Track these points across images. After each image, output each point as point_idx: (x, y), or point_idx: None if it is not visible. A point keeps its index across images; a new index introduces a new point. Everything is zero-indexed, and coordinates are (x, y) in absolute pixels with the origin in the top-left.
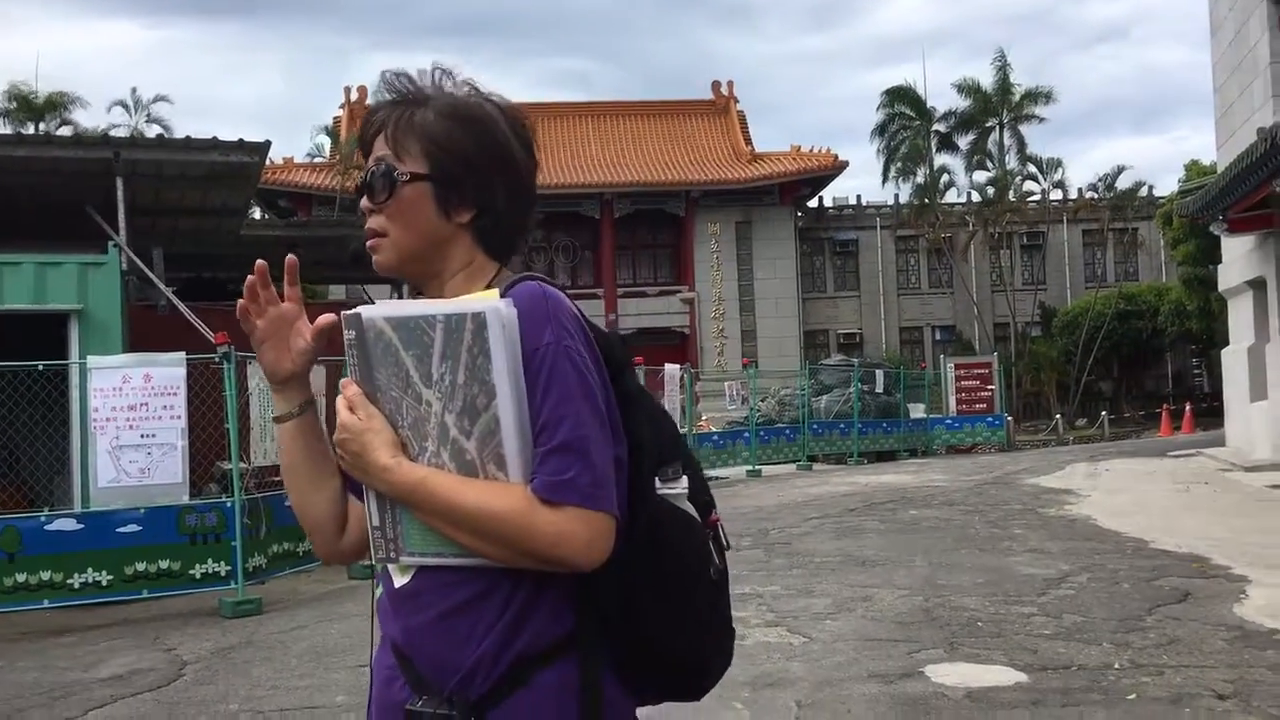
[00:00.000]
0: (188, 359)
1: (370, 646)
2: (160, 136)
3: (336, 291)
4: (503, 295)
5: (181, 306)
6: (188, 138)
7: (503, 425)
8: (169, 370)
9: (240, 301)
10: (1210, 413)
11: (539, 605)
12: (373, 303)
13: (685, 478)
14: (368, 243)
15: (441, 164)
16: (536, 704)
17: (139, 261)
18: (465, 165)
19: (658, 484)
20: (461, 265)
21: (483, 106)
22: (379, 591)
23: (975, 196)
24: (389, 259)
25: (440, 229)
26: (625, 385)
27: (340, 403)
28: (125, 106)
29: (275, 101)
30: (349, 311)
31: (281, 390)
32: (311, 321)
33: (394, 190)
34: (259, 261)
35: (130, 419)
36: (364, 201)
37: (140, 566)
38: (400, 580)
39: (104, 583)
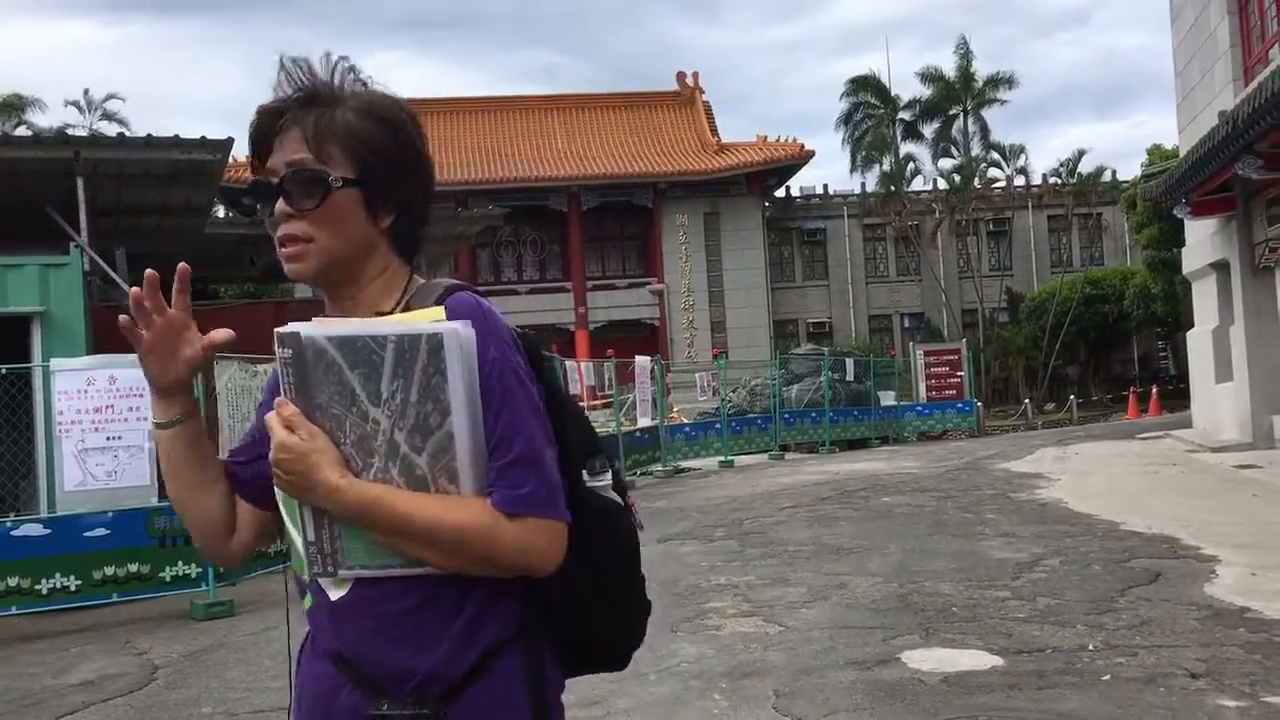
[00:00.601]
0: None
1: (289, 660)
2: (121, 135)
3: (304, 290)
4: (438, 305)
5: None
6: (149, 136)
7: (457, 441)
8: (135, 371)
9: (123, 316)
10: (1177, 395)
11: (496, 603)
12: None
13: (610, 471)
14: (285, 249)
15: (368, 167)
16: (490, 691)
17: (101, 262)
18: (389, 168)
19: (585, 477)
20: (379, 271)
21: (396, 106)
22: (306, 603)
23: (941, 184)
24: (312, 267)
25: (367, 234)
26: (548, 385)
27: (275, 422)
28: (79, 107)
29: (237, 99)
30: (285, 329)
31: (165, 397)
32: (270, 323)
33: (326, 195)
34: (149, 271)
35: (96, 421)
36: (279, 206)
37: (109, 570)
38: (336, 592)
39: (73, 588)
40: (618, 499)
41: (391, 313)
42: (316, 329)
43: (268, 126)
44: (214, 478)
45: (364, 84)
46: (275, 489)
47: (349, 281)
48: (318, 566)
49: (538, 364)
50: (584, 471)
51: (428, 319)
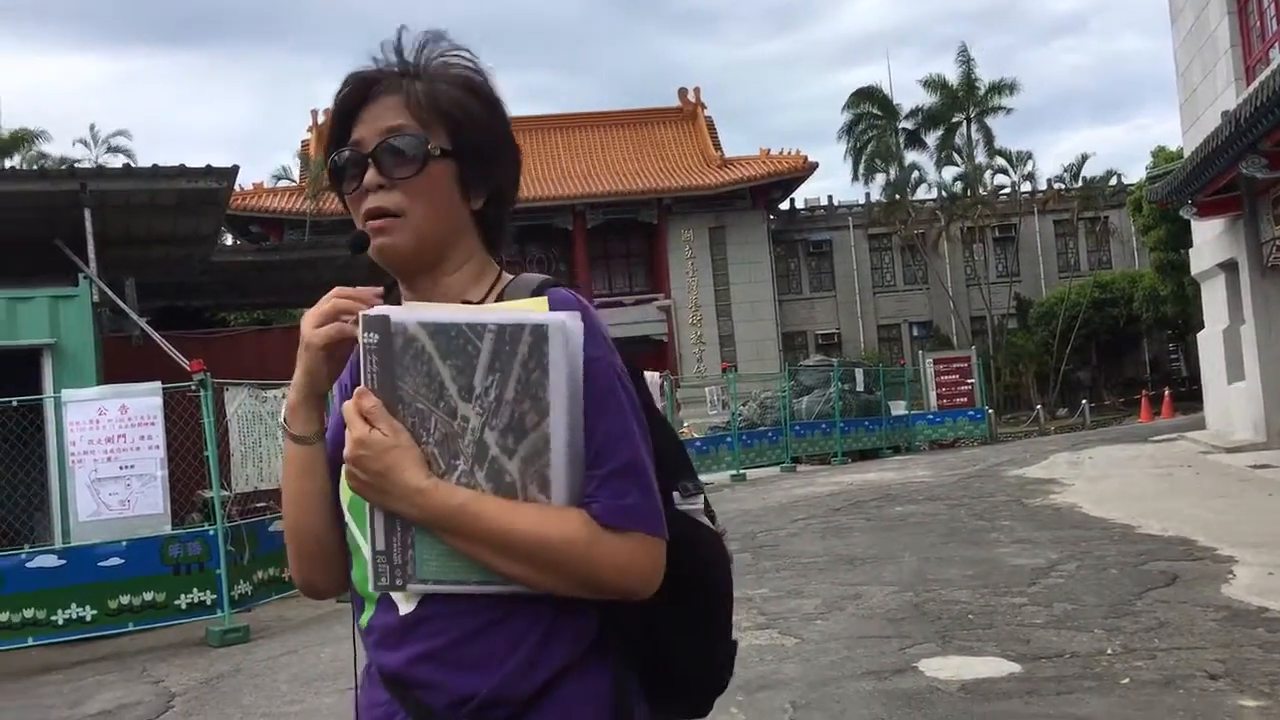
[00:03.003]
0: (164, 388)
1: (355, 681)
2: (127, 166)
3: None
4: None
5: (156, 336)
6: (155, 166)
7: (553, 445)
8: (145, 400)
9: (345, 301)
10: (1189, 396)
11: (569, 620)
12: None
13: (702, 494)
14: (373, 223)
15: (465, 142)
16: (568, 712)
17: (110, 293)
18: (486, 145)
19: (678, 499)
20: (466, 257)
21: (490, 84)
22: (365, 617)
23: (946, 192)
24: (404, 242)
25: (459, 214)
26: (642, 397)
27: (352, 414)
28: (85, 143)
29: (241, 128)
30: (372, 312)
31: (316, 408)
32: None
33: (425, 164)
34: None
35: (108, 451)
36: (370, 177)
37: (124, 600)
38: (405, 608)
39: (88, 618)
40: (711, 525)
41: (483, 302)
42: (408, 313)
43: (358, 95)
44: (332, 496)
45: (459, 61)
46: (343, 490)
47: (435, 265)
48: (385, 578)
49: (633, 373)
50: (675, 493)
51: (527, 309)
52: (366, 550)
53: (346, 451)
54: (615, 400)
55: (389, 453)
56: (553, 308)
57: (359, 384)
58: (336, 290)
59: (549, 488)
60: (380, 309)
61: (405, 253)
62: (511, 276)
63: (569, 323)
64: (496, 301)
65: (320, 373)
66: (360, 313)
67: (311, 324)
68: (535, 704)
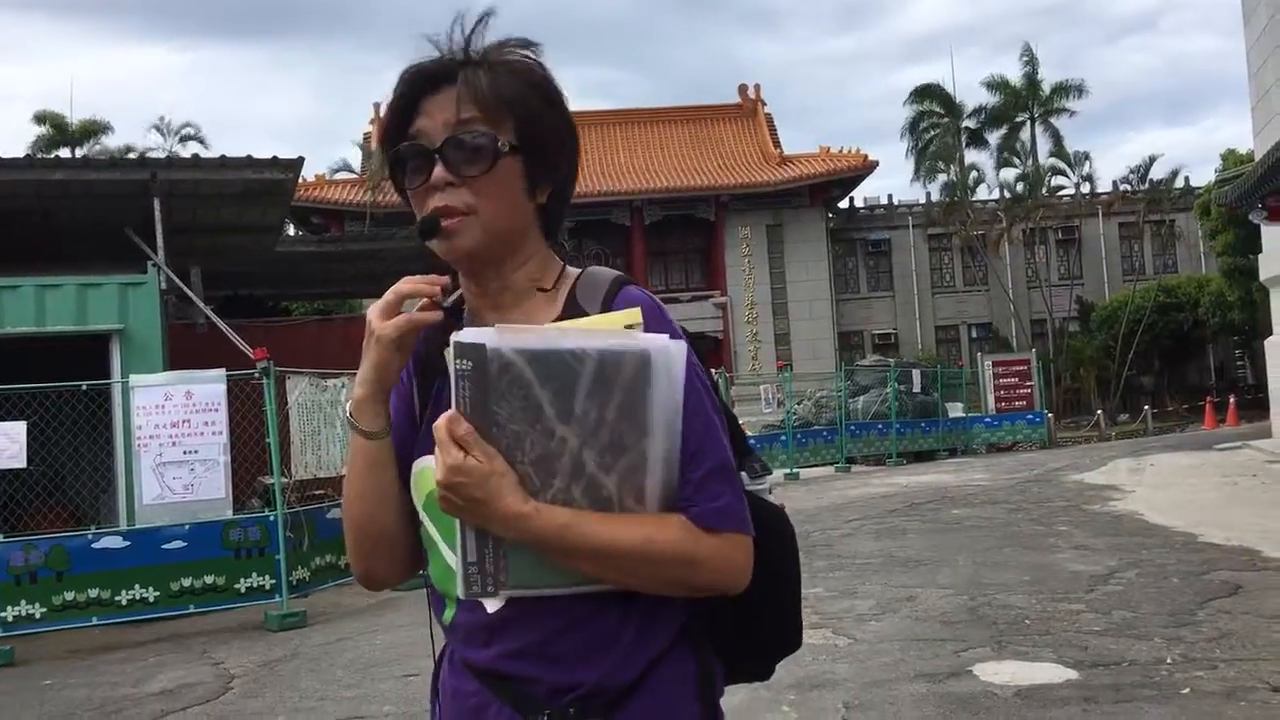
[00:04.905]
0: (227, 375)
1: (436, 668)
2: (195, 156)
3: None
4: (611, 303)
5: (220, 323)
6: (223, 157)
7: (649, 461)
8: (210, 387)
9: (410, 286)
10: (1255, 404)
11: (662, 609)
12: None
13: (769, 473)
14: (445, 222)
15: (531, 137)
16: (657, 699)
17: (178, 280)
18: (551, 139)
19: (747, 480)
20: (532, 252)
21: (550, 78)
22: (448, 615)
23: (1007, 192)
24: (474, 240)
25: (525, 210)
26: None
27: (444, 437)
28: (160, 130)
29: (305, 120)
30: (466, 339)
31: (383, 404)
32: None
33: (495, 161)
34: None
35: (173, 436)
36: (438, 173)
37: (186, 582)
38: (492, 606)
39: (151, 599)
40: (777, 503)
41: (552, 292)
42: (506, 341)
43: (420, 86)
44: (400, 491)
45: (519, 53)
46: (415, 488)
47: (504, 260)
48: (476, 587)
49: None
50: (744, 473)
51: (621, 323)
52: (452, 559)
53: (439, 476)
54: (701, 404)
55: (489, 480)
56: (627, 307)
57: (423, 379)
58: (402, 282)
59: (644, 498)
60: (472, 334)
61: (474, 250)
62: (577, 270)
63: (673, 348)
64: (570, 299)
65: (390, 366)
66: (453, 338)
67: (380, 317)
68: (634, 690)
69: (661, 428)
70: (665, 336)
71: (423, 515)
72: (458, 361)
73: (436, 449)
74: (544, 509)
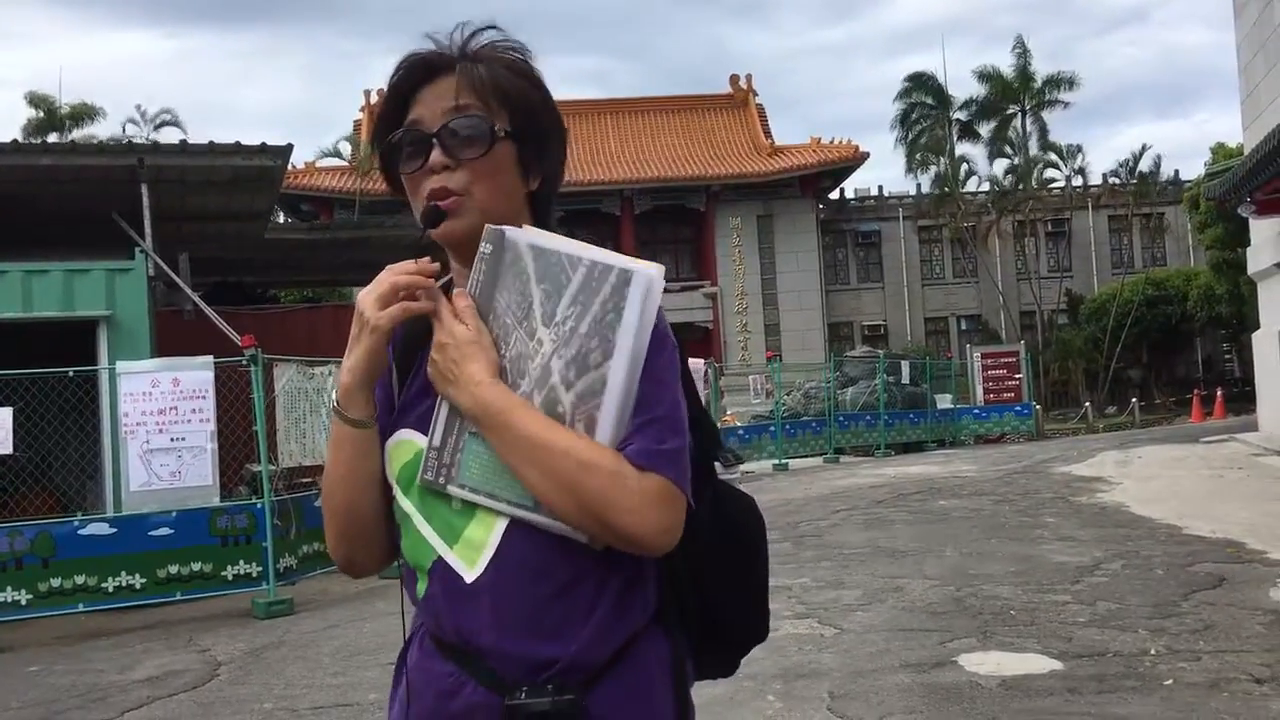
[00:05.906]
0: (215, 362)
1: (404, 650)
2: (183, 142)
3: None
4: None
5: (208, 310)
6: (211, 143)
7: (609, 387)
8: (197, 374)
9: (405, 277)
10: (1242, 398)
11: (638, 588)
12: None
13: (741, 464)
14: (443, 203)
15: (524, 125)
16: (632, 677)
17: (165, 267)
18: (543, 128)
19: (720, 469)
20: None
21: (538, 70)
22: (421, 588)
23: (997, 185)
24: (470, 222)
25: (518, 195)
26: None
27: (446, 311)
28: (135, 120)
29: (294, 106)
30: (495, 226)
31: (369, 389)
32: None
33: (492, 144)
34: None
35: (160, 423)
36: (435, 157)
37: (173, 569)
38: (472, 574)
39: (137, 586)
40: (747, 492)
41: None
42: (523, 234)
43: (417, 76)
44: (380, 476)
45: (510, 48)
46: (389, 462)
47: None
48: (431, 473)
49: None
50: (717, 463)
51: (630, 259)
52: (425, 530)
53: (435, 339)
54: (663, 362)
55: (468, 345)
56: None
57: (403, 359)
58: (392, 268)
59: (594, 429)
60: (502, 226)
61: (470, 232)
62: None
63: (655, 276)
64: None
65: (382, 354)
66: (486, 225)
67: (375, 305)
68: (609, 669)
69: (625, 357)
70: (654, 267)
71: (395, 490)
72: (484, 245)
73: (439, 319)
74: (501, 385)
